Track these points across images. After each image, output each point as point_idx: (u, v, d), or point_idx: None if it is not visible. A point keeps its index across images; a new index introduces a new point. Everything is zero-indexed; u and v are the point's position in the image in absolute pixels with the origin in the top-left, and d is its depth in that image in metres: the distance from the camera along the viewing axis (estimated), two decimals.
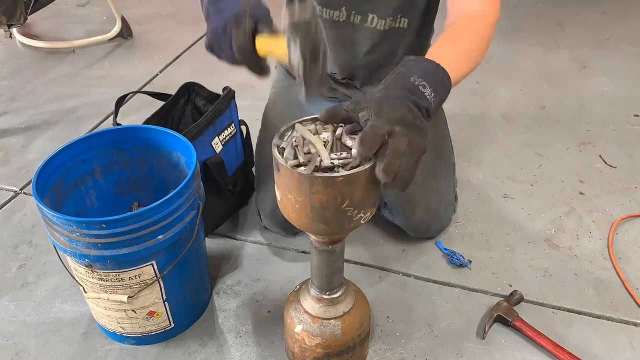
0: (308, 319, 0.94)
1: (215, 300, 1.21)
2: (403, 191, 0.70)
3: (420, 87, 0.72)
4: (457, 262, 1.25)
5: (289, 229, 1.33)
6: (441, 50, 0.84)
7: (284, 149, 0.76)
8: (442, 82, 0.76)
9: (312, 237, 0.85)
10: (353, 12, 1.16)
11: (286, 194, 0.75)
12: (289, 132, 0.79)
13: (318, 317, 0.93)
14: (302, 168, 0.72)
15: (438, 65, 0.76)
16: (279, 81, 1.40)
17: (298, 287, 1.00)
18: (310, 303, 0.94)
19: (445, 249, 1.30)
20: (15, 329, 1.16)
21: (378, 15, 1.15)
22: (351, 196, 0.72)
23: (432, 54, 0.81)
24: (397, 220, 1.31)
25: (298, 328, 0.94)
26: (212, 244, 1.34)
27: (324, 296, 0.92)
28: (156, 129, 1.12)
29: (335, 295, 0.92)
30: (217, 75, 2.09)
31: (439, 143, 1.31)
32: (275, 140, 0.77)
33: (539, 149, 1.65)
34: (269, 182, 1.29)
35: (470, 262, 1.26)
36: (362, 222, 0.77)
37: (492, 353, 1.08)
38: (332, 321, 0.93)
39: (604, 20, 2.46)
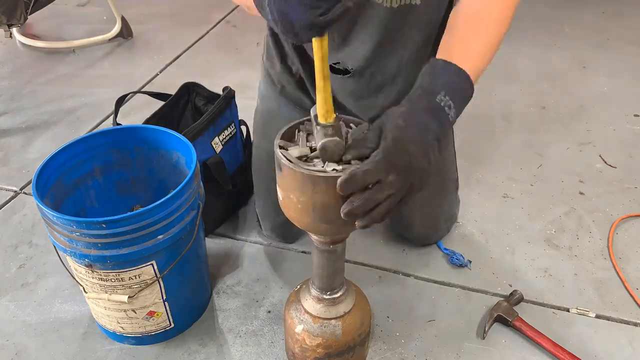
0: (309, 319, 0.94)
1: (215, 300, 1.21)
2: (367, 227, 0.69)
3: (446, 109, 0.70)
4: (457, 262, 1.25)
5: (289, 238, 1.33)
6: (464, 43, 0.79)
7: (284, 148, 0.76)
8: (465, 94, 0.74)
9: (314, 237, 0.85)
10: None
11: (288, 194, 0.75)
12: (297, 132, 0.79)
13: (319, 317, 0.93)
14: (305, 168, 0.72)
15: (464, 73, 0.73)
16: (265, 90, 1.25)
17: (299, 287, 1.00)
18: (311, 303, 0.94)
19: (445, 249, 1.30)
20: (15, 329, 1.16)
21: None
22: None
23: (454, 48, 0.77)
24: (394, 229, 1.31)
25: (299, 328, 0.94)
26: (212, 244, 1.34)
27: (325, 296, 0.92)
28: (156, 129, 1.12)
29: (336, 295, 0.92)
30: (217, 75, 2.09)
31: (443, 162, 1.23)
32: (277, 141, 0.77)
33: (539, 149, 1.65)
34: (264, 195, 1.29)
35: (470, 262, 1.26)
36: None
37: (492, 353, 1.08)
38: (333, 321, 0.93)
39: (604, 20, 2.46)
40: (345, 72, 1.04)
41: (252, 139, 1.35)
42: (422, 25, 0.98)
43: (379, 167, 0.67)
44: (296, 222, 0.79)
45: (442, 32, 0.85)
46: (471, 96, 0.75)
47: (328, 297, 0.92)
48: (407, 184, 0.68)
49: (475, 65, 0.75)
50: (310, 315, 0.94)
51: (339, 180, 0.67)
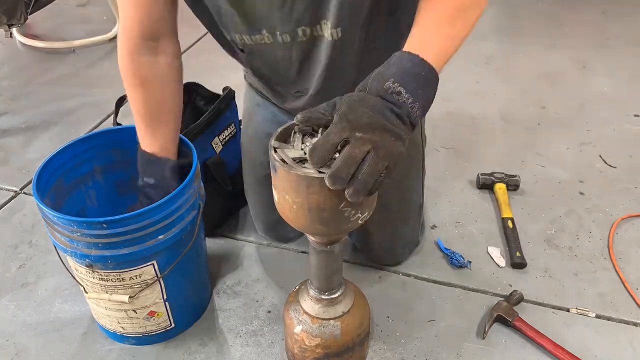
0: (307, 319, 0.94)
1: (216, 300, 1.21)
2: (361, 199, 0.67)
3: (395, 95, 0.69)
4: (456, 263, 1.25)
5: (284, 239, 1.34)
6: (425, 31, 0.77)
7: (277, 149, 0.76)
8: (425, 81, 0.72)
9: (310, 237, 0.84)
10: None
11: (283, 194, 0.75)
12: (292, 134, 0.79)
13: (317, 318, 0.93)
14: (299, 170, 0.71)
15: (422, 60, 0.72)
16: (250, 99, 1.27)
17: (297, 287, 1.00)
18: (309, 303, 0.94)
19: (445, 249, 1.30)
20: (15, 329, 1.16)
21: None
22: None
23: (415, 37, 0.76)
24: (355, 243, 1.29)
25: (298, 328, 0.94)
26: (212, 244, 1.34)
27: (323, 296, 0.92)
28: None
29: (334, 296, 0.92)
30: (217, 75, 2.08)
31: (404, 182, 1.18)
32: (272, 142, 0.76)
33: (539, 149, 1.66)
34: (255, 199, 1.30)
35: (470, 262, 1.26)
36: (359, 222, 0.77)
37: (492, 353, 1.08)
38: (332, 321, 0.93)
39: (604, 20, 2.46)
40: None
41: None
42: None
43: (339, 127, 0.66)
44: (292, 223, 0.78)
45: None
46: (433, 78, 0.73)
47: (326, 297, 0.92)
48: (379, 142, 0.66)
49: (436, 52, 0.74)
50: (309, 316, 0.93)
51: (308, 153, 0.66)
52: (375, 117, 0.67)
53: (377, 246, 1.24)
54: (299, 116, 0.72)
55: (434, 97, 0.74)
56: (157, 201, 0.94)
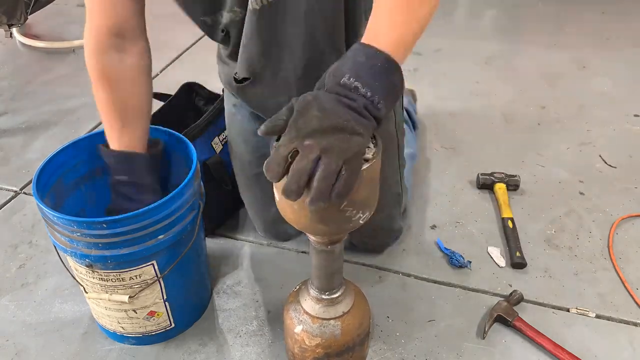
0: (308, 319, 0.94)
1: (216, 300, 1.21)
2: (323, 205, 0.66)
3: (352, 90, 0.68)
4: (456, 263, 1.25)
5: (283, 237, 1.34)
6: (378, 19, 0.75)
7: None
8: (383, 72, 0.70)
9: (311, 237, 0.84)
10: None
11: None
12: None
13: (318, 318, 0.93)
14: None
15: (377, 51, 0.70)
16: (227, 102, 1.25)
17: (297, 287, 1.00)
18: (309, 303, 0.94)
19: (445, 248, 1.30)
20: (15, 329, 1.16)
21: None
22: (350, 196, 0.71)
23: (370, 27, 0.75)
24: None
25: (298, 328, 0.94)
26: (212, 244, 1.34)
27: (324, 296, 0.92)
28: (156, 129, 1.12)
29: (334, 296, 0.92)
30: (217, 75, 2.09)
31: (382, 172, 1.19)
32: (273, 143, 0.76)
33: (539, 149, 1.66)
34: (250, 198, 1.30)
35: (470, 262, 1.26)
36: (361, 222, 0.77)
37: (492, 353, 1.08)
38: (332, 321, 0.93)
39: (604, 20, 2.46)
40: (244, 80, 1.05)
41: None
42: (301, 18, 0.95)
43: (288, 137, 0.66)
44: (294, 223, 0.78)
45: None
46: (391, 68, 0.71)
47: (327, 297, 0.92)
48: (328, 144, 0.65)
49: (394, 41, 0.72)
50: (309, 316, 0.93)
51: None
52: (325, 119, 0.66)
53: (357, 240, 1.27)
54: (262, 128, 0.71)
55: (398, 87, 0.72)
56: (132, 199, 0.93)
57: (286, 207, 0.76)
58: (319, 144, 0.65)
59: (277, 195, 0.77)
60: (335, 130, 0.66)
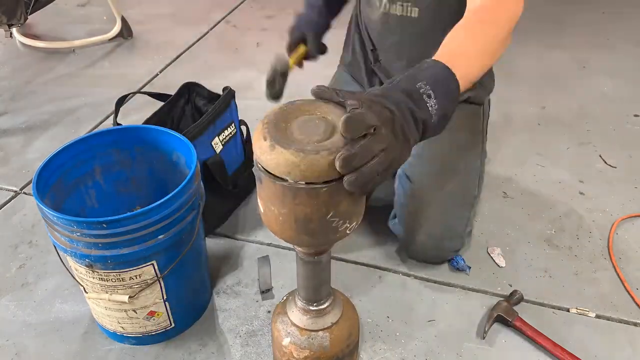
0: (296, 331, 0.91)
1: (216, 300, 1.21)
2: (358, 193, 0.66)
3: (425, 97, 0.68)
4: (456, 265, 1.25)
5: None
6: (459, 47, 0.78)
7: None
8: (451, 94, 0.71)
9: (297, 248, 0.82)
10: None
11: (269, 205, 0.72)
12: None
13: (306, 329, 0.91)
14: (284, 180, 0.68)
15: (449, 71, 0.72)
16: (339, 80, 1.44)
17: (285, 298, 0.98)
18: (297, 315, 0.92)
19: None
20: (15, 329, 1.16)
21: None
22: (336, 207, 0.69)
23: (447, 51, 0.77)
24: (398, 235, 1.26)
25: (286, 341, 0.93)
26: (212, 244, 1.34)
27: (311, 307, 0.90)
28: (156, 129, 1.12)
29: (322, 307, 0.90)
30: (217, 75, 2.09)
31: (463, 171, 1.22)
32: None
33: (539, 149, 1.66)
34: None
35: (470, 267, 1.25)
36: (347, 232, 0.74)
37: (492, 353, 1.08)
38: (320, 333, 0.91)
39: (604, 20, 2.46)
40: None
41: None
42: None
43: (371, 113, 0.64)
44: (279, 234, 0.75)
45: None
46: (456, 96, 0.72)
47: (315, 308, 0.90)
48: (390, 144, 0.64)
49: (464, 72, 0.74)
50: (297, 328, 0.91)
51: (340, 124, 0.64)
52: (397, 115, 0.65)
53: (422, 233, 1.20)
54: (315, 88, 0.70)
55: (451, 114, 0.72)
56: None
57: (271, 219, 0.73)
58: (387, 137, 0.64)
59: (262, 206, 0.74)
60: (401, 132, 0.66)
